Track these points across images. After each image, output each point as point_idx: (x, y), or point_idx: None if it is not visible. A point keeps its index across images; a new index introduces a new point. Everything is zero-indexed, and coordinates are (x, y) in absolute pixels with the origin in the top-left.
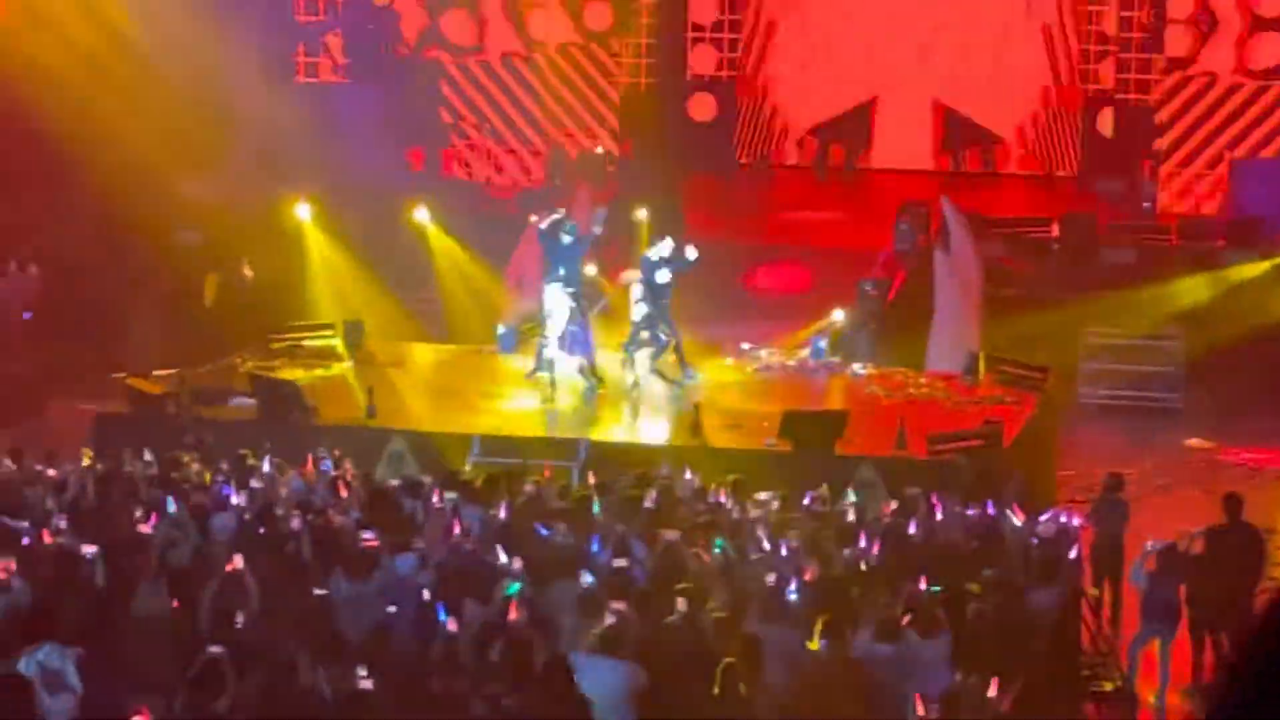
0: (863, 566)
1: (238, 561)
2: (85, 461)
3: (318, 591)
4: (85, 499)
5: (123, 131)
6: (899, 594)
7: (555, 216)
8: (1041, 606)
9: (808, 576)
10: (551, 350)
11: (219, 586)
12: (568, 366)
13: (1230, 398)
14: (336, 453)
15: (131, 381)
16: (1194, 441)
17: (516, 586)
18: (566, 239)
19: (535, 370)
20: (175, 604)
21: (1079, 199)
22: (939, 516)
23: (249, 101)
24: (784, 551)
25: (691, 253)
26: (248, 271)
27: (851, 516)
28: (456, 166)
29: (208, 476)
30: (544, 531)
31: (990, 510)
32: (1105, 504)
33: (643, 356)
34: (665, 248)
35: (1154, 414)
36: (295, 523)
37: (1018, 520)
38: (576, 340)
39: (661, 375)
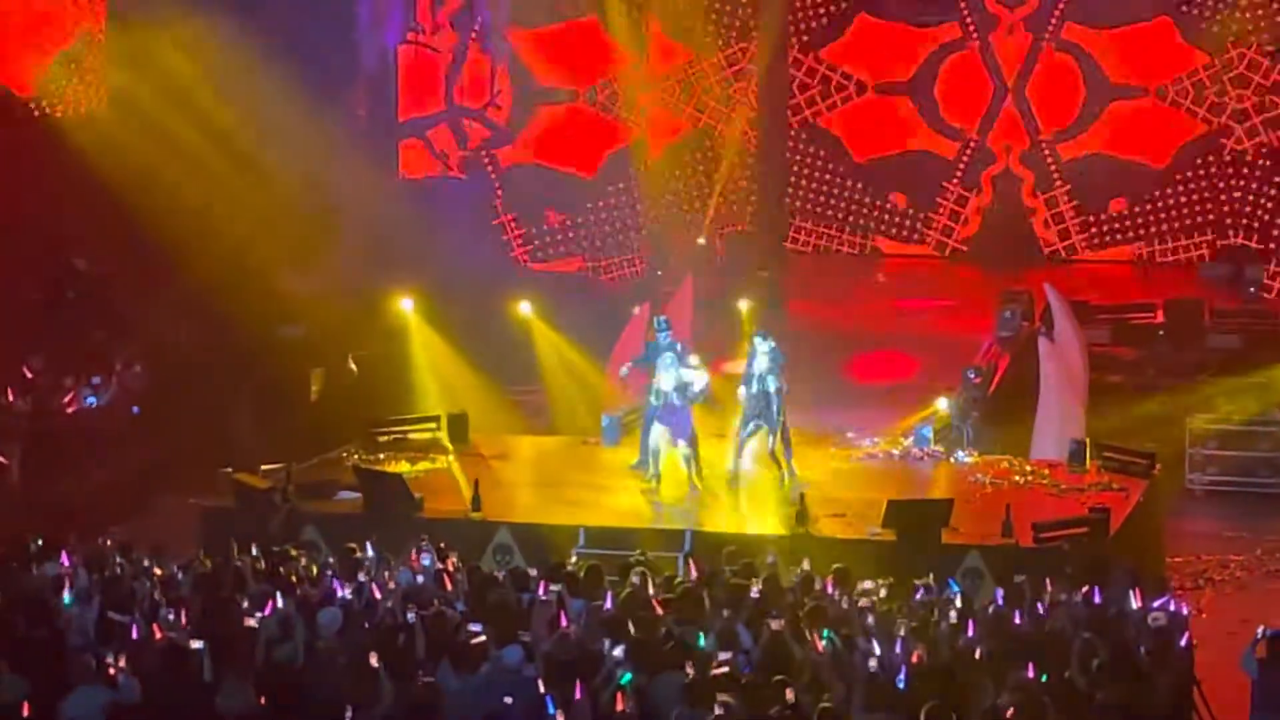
0: (969, 655)
1: (373, 660)
2: (193, 557)
3: (426, 680)
4: (193, 594)
5: (227, 227)
6: (1005, 683)
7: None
8: (1154, 694)
9: (914, 659)
10: (654, 435)
11: (333, 679)
12: (674, 453)
13: None
14: (443, 545)
15: (238, 476)
16: None
17: (629, 676)
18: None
19: (640, 462)
20: (261, 700)
21: (1184, 284)
22: (1046, 604)
23: (353, 197)
24: (890, 640)
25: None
26: (352, 366)
27: (958, 605)
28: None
29: (314, 570)
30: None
31: (1097, 598)
32: None
33: (751, 445)
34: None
35: (1262, 499)
36: (402, 615)
37: (1136, 603)
38: (678, 423)
39: (769, 463)
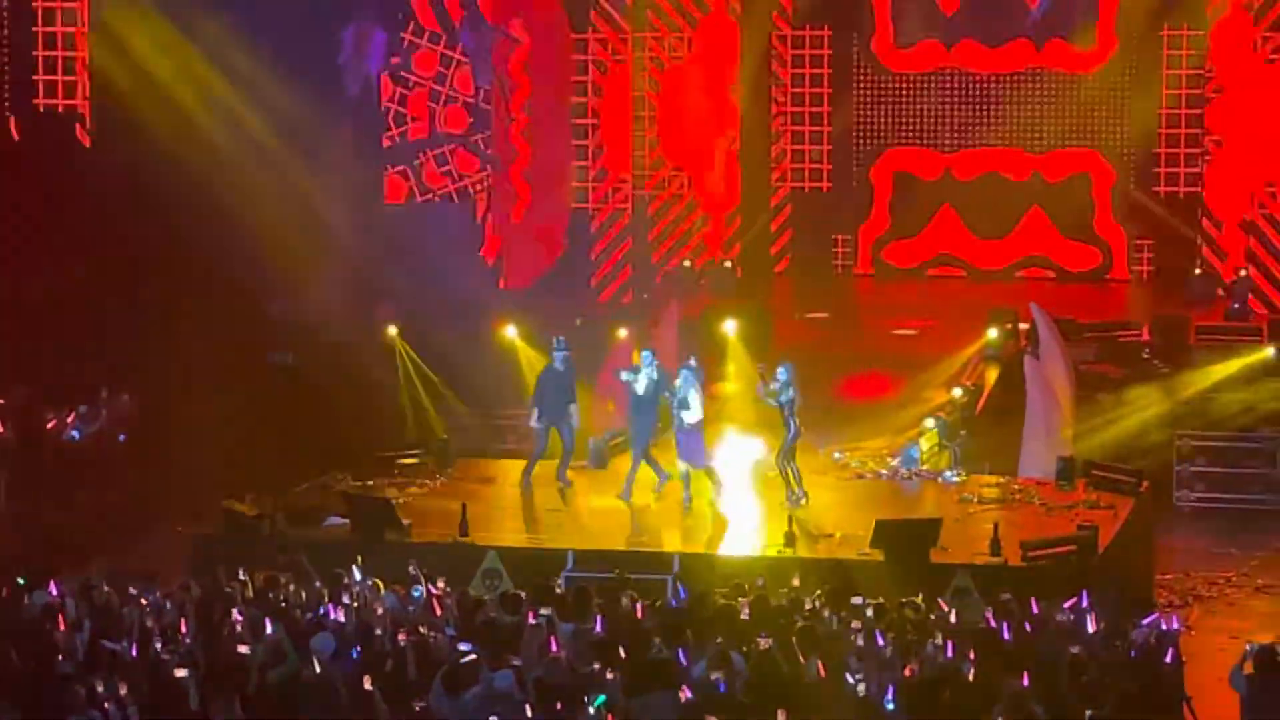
0: (958, 674)
1: (367, 683)
2: (183, 584)
3: (417, 706)
4: (184, 621)
5: (215, 255)
6: (996, 699)
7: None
8: (1144, 710)
9: (906, 673)
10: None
11: (326, 703)
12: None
13: None
14: (427, 571)
15: (227, 503)
16: None
17: (603, 698)
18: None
19: (626, 491)
20: None
21: (1170, 302)
22: (1034, 622)
23: (338, 223)
24: (879, 660)
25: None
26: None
27: (950, 622)
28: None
29: (304, 596)
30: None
31: (1086, 615)
32: None
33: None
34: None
35: (1250, 515)
36: (392, 640)
37: (1125, 619)
38: (687, 448)
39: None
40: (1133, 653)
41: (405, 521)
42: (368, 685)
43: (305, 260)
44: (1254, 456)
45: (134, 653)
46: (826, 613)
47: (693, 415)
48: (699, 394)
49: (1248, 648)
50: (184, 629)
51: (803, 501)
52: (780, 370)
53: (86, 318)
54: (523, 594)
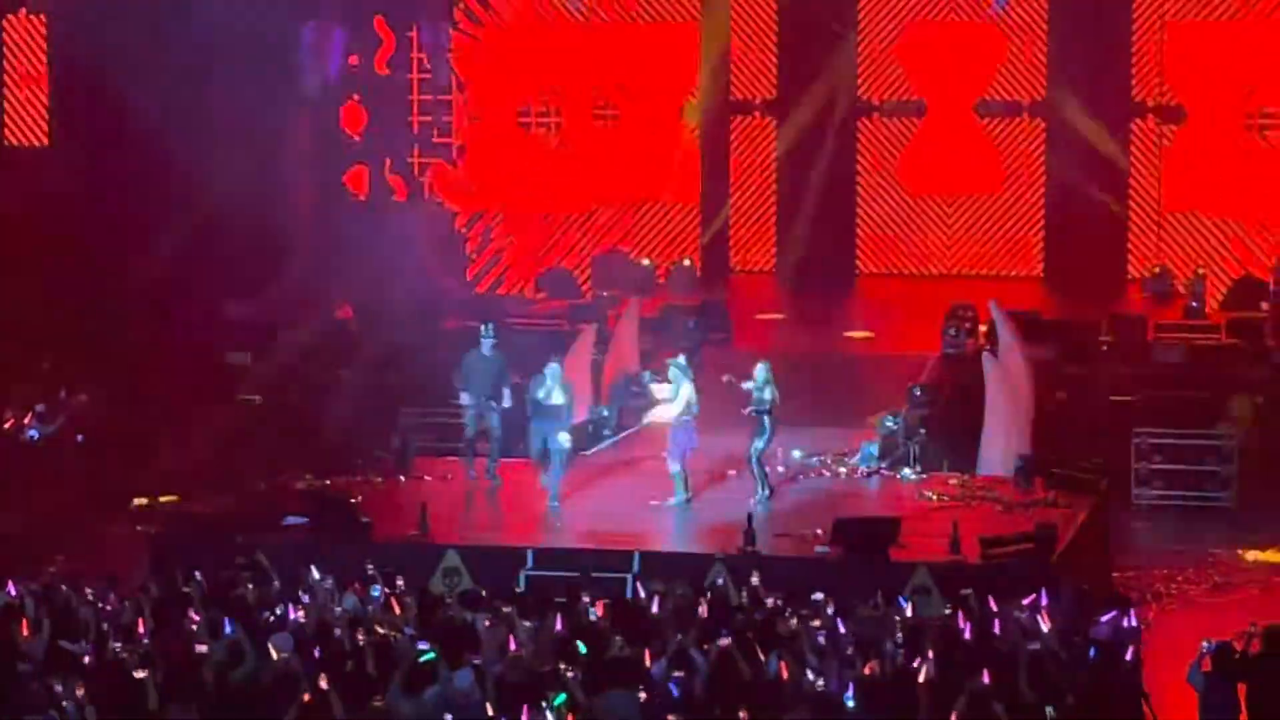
0: (917, 671)
1: (323, 682)
2: (141, 583)
3: (375, 704)
4: (142, 620)
5: (171, 253)
6: (956, 697)
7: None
8: (1102, 707)
9: (866, 671)
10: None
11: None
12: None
13: None
14: (389, 569)
15: (186, 503)
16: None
17: (563, 697)
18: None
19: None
20: None
21: (1127, 299)
22: (994, 619)
23: (298, 220)
24: (839, 657)
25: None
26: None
27: (910, 619)
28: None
29: (263, 595)
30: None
31: (1044, 612)
32: None
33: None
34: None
35: (1208, 513)
36: (351, 640)
37: (1083, 617)
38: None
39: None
40: (1092, 650)
41: (365, 520)
42: (324, 685)
43: (262, 260)
44: (1210, 454)
45: (92, 653)
46: (787, 611)
47: (675, 410)
48: (690, 390)
49: (1205, 645)
50: (142, 629)
51: (769, 500)
52: (759, 369)
53: (44, 318)
54: (483, 592)
